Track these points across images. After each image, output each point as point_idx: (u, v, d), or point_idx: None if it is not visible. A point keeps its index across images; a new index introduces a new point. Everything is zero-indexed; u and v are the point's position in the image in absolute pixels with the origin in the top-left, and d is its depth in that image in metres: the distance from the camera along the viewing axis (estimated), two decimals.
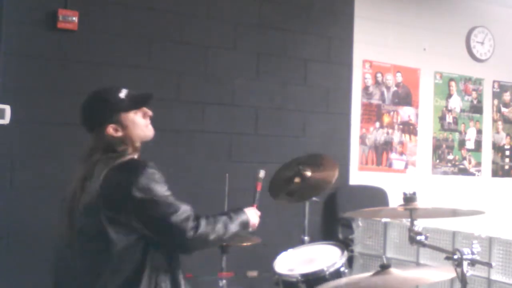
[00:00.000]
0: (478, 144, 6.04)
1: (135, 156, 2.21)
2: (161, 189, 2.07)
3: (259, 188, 2.88)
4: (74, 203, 2.11)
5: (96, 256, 2.09)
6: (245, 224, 2.31)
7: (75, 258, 2.15)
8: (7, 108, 3.63)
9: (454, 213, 2.50)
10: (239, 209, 2.35)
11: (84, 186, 2.10)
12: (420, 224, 2.19)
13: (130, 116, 2.20)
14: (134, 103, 2.23)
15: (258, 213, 2.48)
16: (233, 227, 2.23)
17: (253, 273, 2.56)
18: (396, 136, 5.49)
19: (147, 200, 2.03)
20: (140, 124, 2.22)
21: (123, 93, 2.24)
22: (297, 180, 3.08)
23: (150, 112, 2.25)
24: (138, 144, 2.22)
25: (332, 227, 4.87)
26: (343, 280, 2.44)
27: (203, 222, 2.10)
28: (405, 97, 5.57)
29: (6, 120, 3.63)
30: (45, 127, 3.87)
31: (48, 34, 3.87)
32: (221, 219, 2.19)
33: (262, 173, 2.91)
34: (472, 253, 1.94)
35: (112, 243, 2.04)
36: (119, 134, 2.18)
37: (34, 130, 3.83)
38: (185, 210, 2.07)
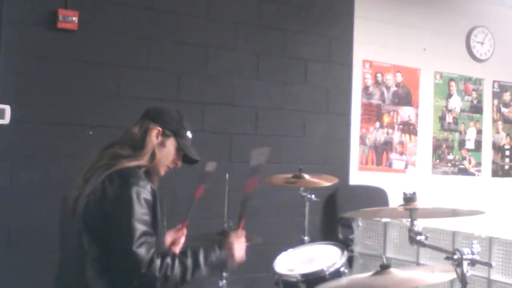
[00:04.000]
0: (478, 144, 6.04)
1: (140, 165, 2.21)
2: (139, 212, 2.02)
3: (250, 187, 2.60)
4: (75, 204, 2.12)
5: (76, 263, 2.10)
6: (218, 263, 2.15)
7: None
8: (7, 108, 3.63)
9: (454, 213, 2.50)
10: (211, 247, 2.16)
11: (84, 188, 2.11)
12: (420, 224, 2.18)
13: (172, 147, 2.31)
14: (186, 147, 2.35)
15: (241, 239, 2.25)
16: (196, 272, 2.06)
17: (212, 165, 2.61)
18: (396, 136, 5.49)
19: (121, 218, 2.01)
20: (168, 159, 2.31)
21: (190, 135, 2.40)
22: None
23: (179, 165, 2.38)
24: (156, 160, 2.25)
25: (332, 227, 4.87)
26: (343, 280, 2.44)
27: (167, 261, 2.00)
28: (405, 97, 5.57)
29: (6, 120, 3.63)
30: (45, 127, 3.87)
31: (48, 34, 3.87)
32: (182, 264, 2.04)
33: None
34: (472, 253, 1.93)
35: (85, 252, 2.05)
36: (154, 141, 2.25)
37: (34, 130, 3.83)
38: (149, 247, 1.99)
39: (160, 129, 2.27)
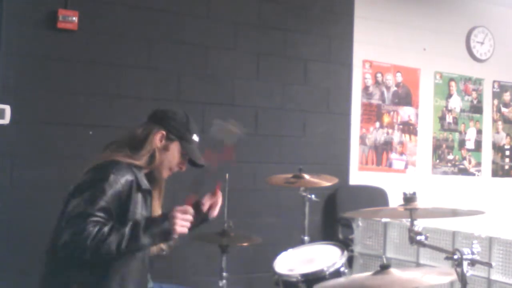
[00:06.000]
0: (478, 144, 6.04)
1: (136, 165, 2.21)
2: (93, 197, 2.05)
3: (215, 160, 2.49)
4: None
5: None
6: (160, 234, 2.10)
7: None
8: (7, 108, 3.63)
9: (454, 213, 2.50)
10: (154, 219, 2.16)
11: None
12: (420, 224, 2.18)
13: (177, 151, 2.32)
14: (190, 151, 2.36)
15: (186, 214, 2.16)
16: (132, 242, 2.04)
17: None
18: (396, 136, 5.49)
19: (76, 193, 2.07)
20: (172, 162, 2.33)
21: (196, 138, 2.40)
22: None
23: (184, 169, 2.39)
24: (156, 163, 2.26)
25: (332, 227, 4.87)
26: (341, 279, 2.44)
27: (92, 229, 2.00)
28: (405, 97, 5.57)
29: (6, 120, 3.63)
30: (45, 127, 3.87)
31: (48, 34, 3.87)
32: (120, 232, 2.03)
33: None
34: (472, 253, 1.93)
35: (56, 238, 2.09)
36: (158, 144, 2.26)
37: (34, 130, 3.83)
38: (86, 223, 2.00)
39: (164, 133, 2.28)
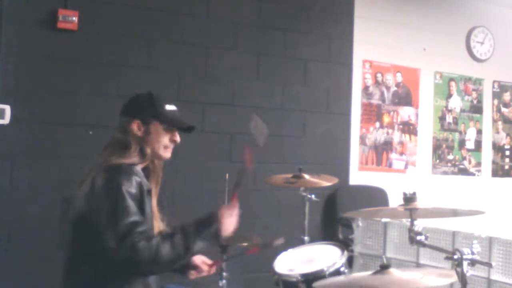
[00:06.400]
0: (478, 144, 6.04)
1: (133, 163, 2.21)
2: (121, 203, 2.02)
3: (248, 166, 2.47)
4: (68, 206, 2.15)
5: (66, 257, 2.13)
6: (210, 238, 2.13)
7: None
8: (7, 108, 3.63)
9: (454, 213, 2.50)
10: (202, 223, 2.15)
11: (78, 190, 2.13)
12: (420, 224, 2.18)
13: (158, 128, 2.24)
14: (171, 122, 2.27)
15: (234, 212, 2.24)
16: (187, 249, 2.04)
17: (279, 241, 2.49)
18: (396, 136, 5.49)
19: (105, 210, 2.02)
20: (161, 141, 2.25)
21: (171, 108, 2.30)
22: None
23: (178, 140, 2.29)
24: (148, 154, 2.22)
25: (332, 227, 4.87)
26: (341, 278, 2.44)
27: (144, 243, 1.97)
28: (405, 97, 5.57)
29: (6, 120, 3.63)
30: (45, 127, 3.87)
31: (48, 34, 3.87)
32: (171, 241, 2.02)
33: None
34: (472, 253, 1.93)
35: (71, 248, 2.09)
36: (139, 134, 2.22)
37: (34, 130, 3.84)
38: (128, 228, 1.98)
39: (138, 120, 2.23)
